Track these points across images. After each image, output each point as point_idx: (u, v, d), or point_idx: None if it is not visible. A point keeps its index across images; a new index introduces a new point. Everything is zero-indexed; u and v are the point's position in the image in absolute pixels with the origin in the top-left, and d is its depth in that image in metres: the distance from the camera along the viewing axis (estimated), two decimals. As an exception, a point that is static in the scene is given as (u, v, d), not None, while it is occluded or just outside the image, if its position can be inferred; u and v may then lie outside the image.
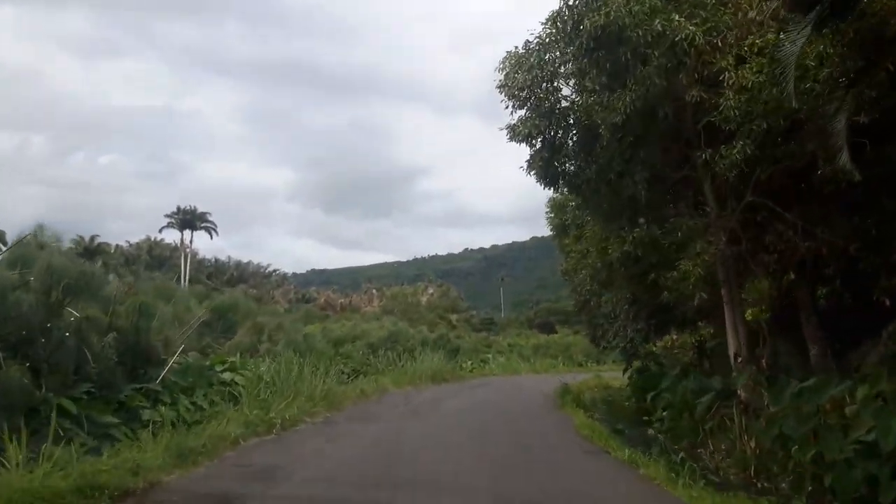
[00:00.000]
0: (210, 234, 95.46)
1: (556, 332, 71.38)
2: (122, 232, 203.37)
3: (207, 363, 15.78)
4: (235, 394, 14.54)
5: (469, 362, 39.63)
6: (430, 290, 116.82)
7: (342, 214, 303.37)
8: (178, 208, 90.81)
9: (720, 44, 12.78)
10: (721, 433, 13.08)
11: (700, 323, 25.56)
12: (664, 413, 16.28)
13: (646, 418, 19.82)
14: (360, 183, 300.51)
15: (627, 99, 13.50)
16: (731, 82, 12.28)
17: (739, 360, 14.97)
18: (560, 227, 27.08)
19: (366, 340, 31.69)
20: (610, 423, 18.18)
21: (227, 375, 15.70)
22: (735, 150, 12.39)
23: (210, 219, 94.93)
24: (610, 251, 17.00)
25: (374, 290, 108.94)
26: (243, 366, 17.11)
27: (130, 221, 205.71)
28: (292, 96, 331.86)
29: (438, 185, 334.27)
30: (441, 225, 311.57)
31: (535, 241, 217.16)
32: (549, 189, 17.32)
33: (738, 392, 12.71)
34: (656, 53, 13.27)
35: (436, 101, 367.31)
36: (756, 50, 12.26)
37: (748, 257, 14.34)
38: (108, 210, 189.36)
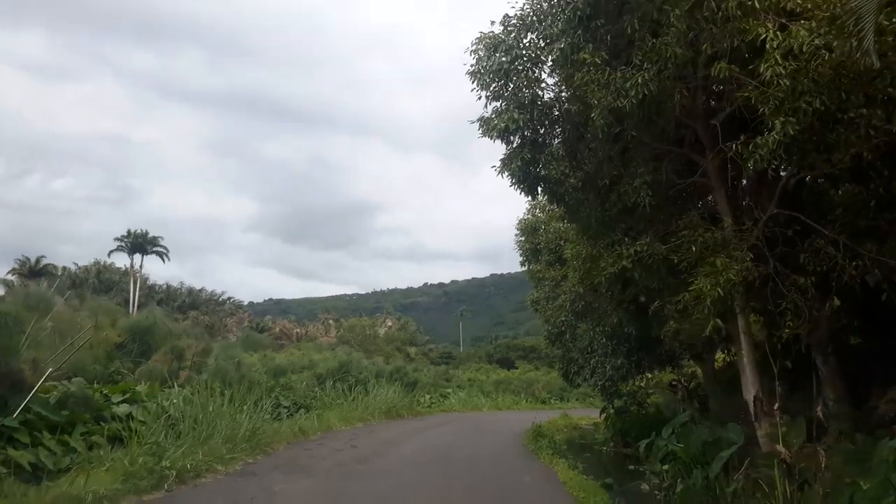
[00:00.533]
0: (162, 258, 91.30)
1: (517, 368, 68.30)
2: (75, 257, 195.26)
3: (97, 392, 12.23)
4: (128, 433, 11.01)
5: (428, 396, 36.18)
6: (389, 323, 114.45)
7: (301, 245, 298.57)
8: (129, 231, 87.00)
9: (756, 4, 9.91)
10: (751, 500, 9.96)
11: (688, 361, 22.67)
12: (664, 468, 13.14)
13: (632, 467, 16.89)
14: (320, 215, 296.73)
15: (640, 79, 10.58)
16: (774, 45, 9.41)
17: (758, 403, 11.95)
18: (531, 252, 24.15)
19: (314, 371, 28.13)
20: (595, 474, 15.07)
21: (123, 408, 12.22)
22: (775, 132, 9.46)
23: (162, 243, 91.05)
24: (596, 273, 13.97)
25: (331, 321, 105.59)
26: (151, 396, 13.60)
27: (83, 247, 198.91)
28: (252, 127, 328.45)
29: (398, 220, 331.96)
30: (400, 259, 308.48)
31: (494, 278, 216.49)
32: (527, 196, 14.24)
33: (779, 448, 9.60)
34: (673, 17, 10.39)
35: (395, 138, 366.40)
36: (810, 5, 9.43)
37: (777, 279, 11.33)
38: (61, 234, 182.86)
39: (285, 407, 19.79)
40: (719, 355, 22.32)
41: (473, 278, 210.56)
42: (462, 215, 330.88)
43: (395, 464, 14.30)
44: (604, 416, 23.87)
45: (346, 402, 23.94)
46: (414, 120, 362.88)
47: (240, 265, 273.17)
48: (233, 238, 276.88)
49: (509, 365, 76.73)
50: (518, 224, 23.74)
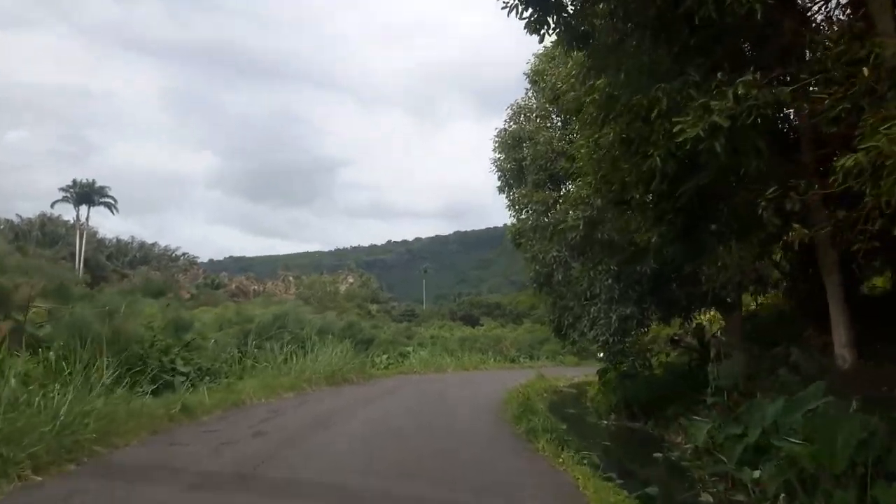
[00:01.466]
0: (111, 209, 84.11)
1: (482, 325, 63.26)
2: (29, 211, 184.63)
3: None
4: None
5: (385, 356, 30.59)
6: (350, 279, 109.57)
7: (265, 202, 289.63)
8: (74, 181, 79.79)
9: None
10: None
11: (701, 310, 17.49)
12: (754, 474, 7.77)
13: (658, 455, 11.67)
14: (284, 171, 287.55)
15: None
16: None
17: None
18: (513, 173, 18.54)
19: (242, 327, 22.30)
20: (615, 468, 9.67)
21: None
22: None
23: (110, 194, 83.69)
24: (631, 166, 8.45)
25: (290, 278, 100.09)
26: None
27: (39, 201, 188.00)
28: (215, 82, 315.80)
29: (363, 177, 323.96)
30: (364, 216, 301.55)
31: (458, 236, 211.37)
32: (534, 31, 8.48)
33: None
34: None
35: (362, 93, 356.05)
36: None
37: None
38: (15, 189, 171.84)
39: (182, 374, 13.99)
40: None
41: (437, 236, 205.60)
42: (427, 173, 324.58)
43: (315, 459, 8.74)
44: (602, 379, 18.58)
45: (274, 365, 18.23)
46: (382, 76, 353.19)
47: (201, 223, 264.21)
48: (195, 194, 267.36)
49: (473, 322, 71.86)
50: (497, 137, 18.05)
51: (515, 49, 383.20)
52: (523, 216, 18.65)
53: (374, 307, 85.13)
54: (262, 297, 64.93)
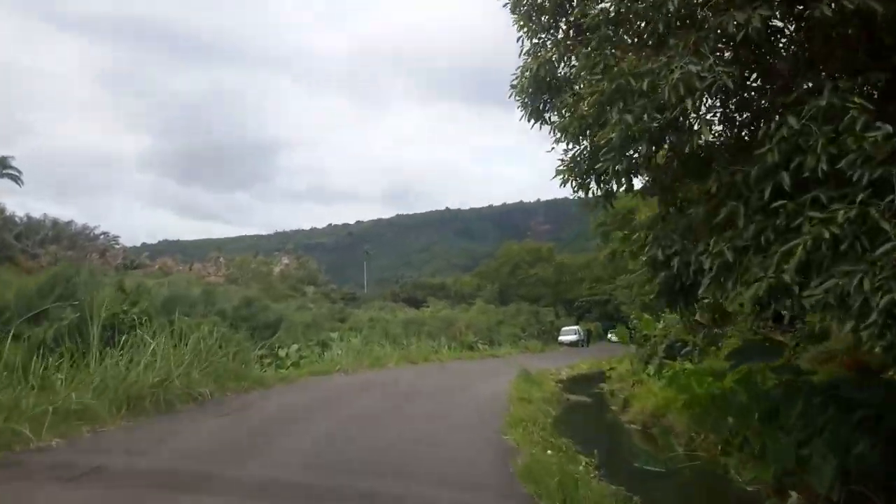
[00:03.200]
0: (16, 181, 69.47)
1: (427, 306, 52.77)
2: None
3: None
4: None
5: (295, 347, 19.73)
6: (286, 261, 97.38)
7: (202, 186, 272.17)
8: (-30, 150, 64.52)
9: None
10: None
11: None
12: None
13: None
14: (221, 153, 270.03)
15: None
16: None
17: None
18: None
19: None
20: None
21: None
22: None
23: (13, 164, 69.18)
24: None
25: (221, 259, 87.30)
26: None
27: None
28: (148, 59, 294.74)
29: (303, 160, 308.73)
30: (305, 200, 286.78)
31: (402, 219, 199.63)
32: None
33: None
34: None
35: (302, 73, 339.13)
36: None
37: None
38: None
39: None
40: None
41: (379, 219, 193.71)
42: (370, 155, 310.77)
43: None
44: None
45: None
46: (323, 55, 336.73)
47: (135, 205, 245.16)
48: (129, 177, 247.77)
49: (417, 304, 61.13)
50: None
51: (459, 31, 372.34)
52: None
53: (310, 289, 75.01)
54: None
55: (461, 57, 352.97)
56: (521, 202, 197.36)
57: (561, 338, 47.33)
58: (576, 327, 51.33)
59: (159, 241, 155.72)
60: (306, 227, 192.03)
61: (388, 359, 22.26)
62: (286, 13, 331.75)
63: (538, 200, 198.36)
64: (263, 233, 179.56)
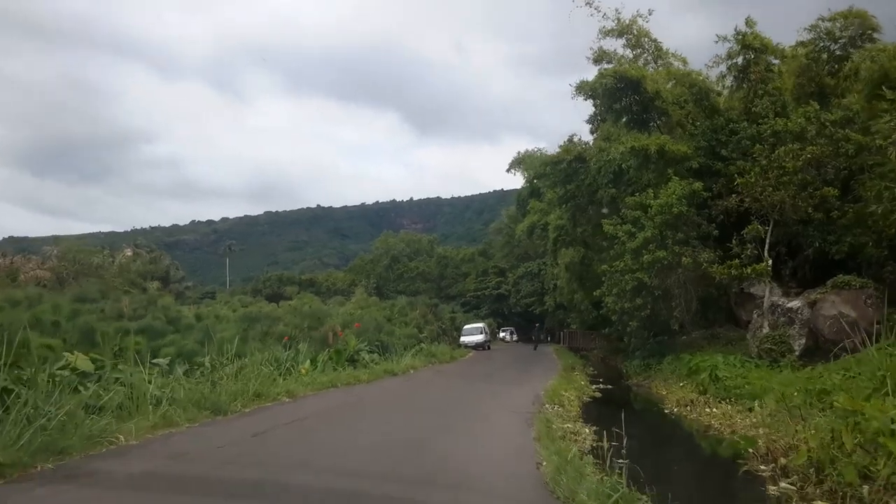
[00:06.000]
0: None
1: (290, 299, 38.43)
2: None
3: None
4: None
5: None
6: (129, 252, 78.57)
7: (53, 179, 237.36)
8: None
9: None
10: None
11: None
12: None
13: None
14: (73, 145, 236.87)
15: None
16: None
17: None
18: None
19: None
20: None
21: None
22: None
23: None
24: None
25: (55, 252, 68.74)
26: None
27: None
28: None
29: (163, 153, 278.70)
30: (165, 195, 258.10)
31: (269, 216, 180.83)
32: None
33: None
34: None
35: (160, 62, 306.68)
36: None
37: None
38: None
39: None
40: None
41: (246, 216, 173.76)
42: (235, 151, 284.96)
43: None
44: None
45: None
46: (184, 45, 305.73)
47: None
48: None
49: (280, 300, 46.26)
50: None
51: (328, 27, 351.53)
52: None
53: (155, 284, 58.81)
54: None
55: (332, 52, 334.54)
56: (394, 201, 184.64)
57: (464, 338, 34.41)
58: (481, 325, 38.39)
59: (3, 239, 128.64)
60: (167, 223, 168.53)
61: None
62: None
63: (411, 199, 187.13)
64: (120, 230, 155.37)
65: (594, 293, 23.54)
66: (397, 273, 68.70)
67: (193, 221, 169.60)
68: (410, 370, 18.73)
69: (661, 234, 19.52)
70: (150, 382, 10.87)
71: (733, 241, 18.76)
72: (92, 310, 22.91)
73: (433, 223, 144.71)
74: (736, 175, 19.32)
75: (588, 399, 15.89)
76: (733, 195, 19.49)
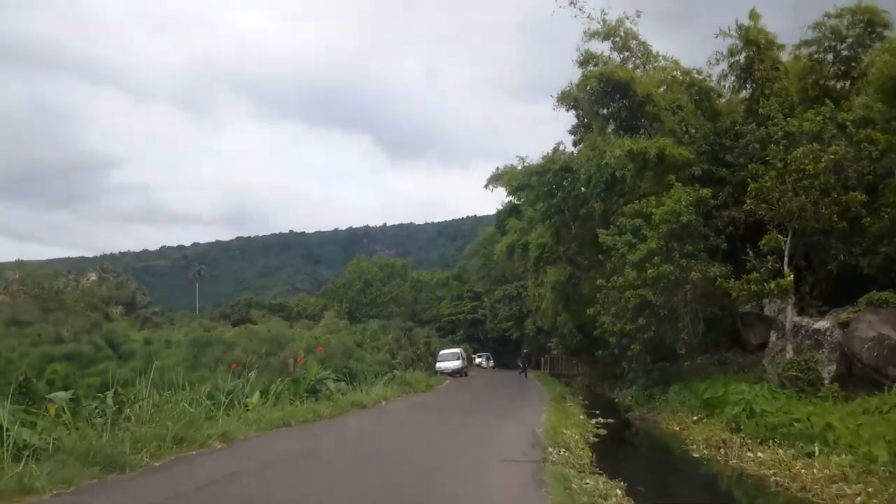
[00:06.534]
0: None
1: (254, 323, 35.18)
2: None
3: None
4: None
5: None
6: (94, 277, 76.03)
7: (19, 203, 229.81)
8: None
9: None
10: None
11: None
12: None
13: None
14: (41, 169, 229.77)
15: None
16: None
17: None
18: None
19: None
20: None
21: None
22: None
23: None
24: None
25: (16, 276, 66.36)
26: None
27: None
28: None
29: (133, 177, 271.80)
30: (135, 220, 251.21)
31: (241, 242, 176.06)
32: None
33: None
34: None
35: (131, 87, 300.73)
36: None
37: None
38: None
39: None
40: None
41: (217, 241, 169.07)
42: (207, 176, 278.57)
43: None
44: None
45: None
46: (154, 69, 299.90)
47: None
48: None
49: (246, 323, 43.07)
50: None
51: (294, 53, 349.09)
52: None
53: (118, 309, 56.39)
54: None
55: (304, 79, 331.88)
56: (367, 226, 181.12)
57: (440, 364, 31.50)
58: (457, 350, 35.50)
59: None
60: (137, 249, 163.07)
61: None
62: (109, 20, 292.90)
63: (385, 225, 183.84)
64: (89, 255, 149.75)
65: (587, 311, 20.92)
66: (370, 297, 65.68)
67: (164, 247, 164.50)
68: (382, 401, 15.86)
69: (667, 245, 17.08)
70: (31, 425, 8.16)
71: (749, 254, 16.32)
72: (26, 334, 20.15)
73: (406, 248, 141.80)
74: (749, 179, 16.99)
75: (594, 438, 13.16)
76: (744, 203, 17.17)
